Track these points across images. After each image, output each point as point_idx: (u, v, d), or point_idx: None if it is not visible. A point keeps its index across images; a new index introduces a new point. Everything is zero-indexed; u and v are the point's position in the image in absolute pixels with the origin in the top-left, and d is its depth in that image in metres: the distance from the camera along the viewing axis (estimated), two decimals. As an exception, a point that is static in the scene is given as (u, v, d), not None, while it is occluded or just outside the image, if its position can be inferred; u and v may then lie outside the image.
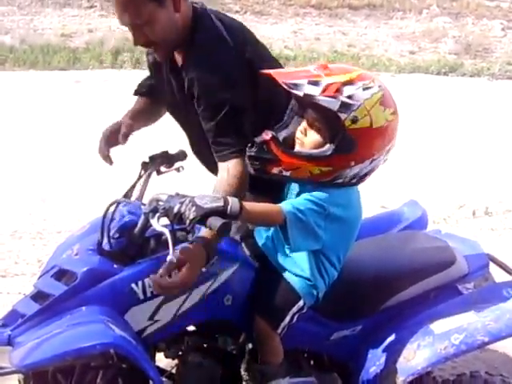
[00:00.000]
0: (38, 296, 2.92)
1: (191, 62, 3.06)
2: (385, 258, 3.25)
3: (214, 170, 3.21)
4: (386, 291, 3.16)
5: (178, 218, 2.61)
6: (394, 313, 3.16)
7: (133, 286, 2.82)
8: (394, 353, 3.05)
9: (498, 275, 3.47)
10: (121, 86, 9.65)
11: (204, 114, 3.04)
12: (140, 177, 3.28)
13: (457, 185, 7.07)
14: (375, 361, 3.09)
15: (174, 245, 2.68)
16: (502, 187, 7.04)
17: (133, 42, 3.08)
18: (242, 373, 3.01)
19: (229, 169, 2.97)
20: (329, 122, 2.76)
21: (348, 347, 3.16)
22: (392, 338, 3.10)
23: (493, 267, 3.44)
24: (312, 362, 3.29)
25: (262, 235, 3.06)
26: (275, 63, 3.31)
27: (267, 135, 2.81)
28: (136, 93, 3.61)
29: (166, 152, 3.43)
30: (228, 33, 3.11)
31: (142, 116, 3.55)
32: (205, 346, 3.08)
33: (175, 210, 2.61)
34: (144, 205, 2.89)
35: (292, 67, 10.09)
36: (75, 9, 13.72)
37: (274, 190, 3.04)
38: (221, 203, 2.59)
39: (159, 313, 2.86)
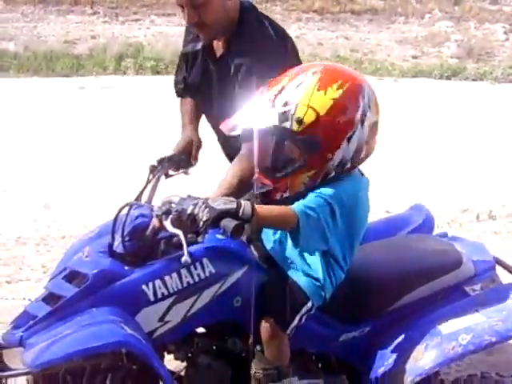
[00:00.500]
0: (49, 298, 2.94)
1: (237, 49, 3.28)
2: (392, 260, 3.27)
3: None
4: (394, 293, 3.18)
5: (191, 220, 2.63)
6: (402, 314, 3.18)
7: (144, 287, 2.85)
8: (402, 353, 3.07)
9: (504, 277, 3.49)
10: (124, 92, 9.71)
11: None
12: (149, 180, 3.31)
13: (460, 189, 7.06)
14: (383, 361, 3.10)
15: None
16: (506, 191, 7.03)
17: (186, 21, 3.28)
18: (252, 374, 3.01)
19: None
20: (281, 136, 2.78)
21: (356, 348, 3.18)
22: (400, 338, 3.12)
23: (499, 269, 3.46)
24: (320, 365, 3.30)
25: (269, 238, 3.07)
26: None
27: (256, 174, 2.86)
28: (179, 94, 3.71)
29: (174, 155, 3.46)
30: (271, 27, 3.34)
31: (198, 118, 3.67)
32: (214, 347, 3.09)
33: (188, 211, 2.64)
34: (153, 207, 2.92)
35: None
36: (78, 15, 13.77)
37: None
38: (234, 205, 2.61)
39: (170, 314, 2.88)
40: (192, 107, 3.65)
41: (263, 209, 2.71)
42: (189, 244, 2.84)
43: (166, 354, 3.11)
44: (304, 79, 2.79)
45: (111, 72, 10.71)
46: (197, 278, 2.90)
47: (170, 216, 2.74)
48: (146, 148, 7.36)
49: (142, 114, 8.60)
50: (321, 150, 2.77)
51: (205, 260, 2.90)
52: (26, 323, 2.85)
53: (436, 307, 3.17)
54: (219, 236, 2.91)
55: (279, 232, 3.01)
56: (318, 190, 2.80)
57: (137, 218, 2.93)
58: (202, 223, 2.59)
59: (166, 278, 2.87)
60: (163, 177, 3.41)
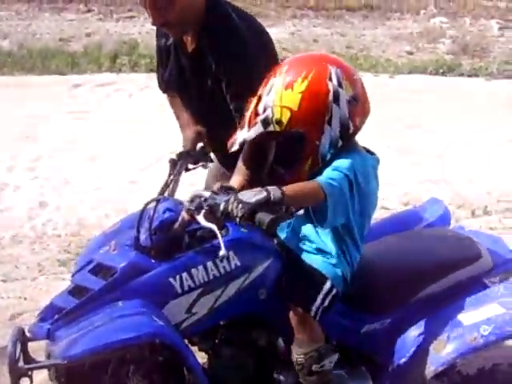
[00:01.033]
0: (75, 291, 2.96)
1: (208, 44, 3.27)
2: (413, 253, 3.31)
3: (225, 158, 3.42)
4: (415, 285, 3.21)
5: (225, 216, 2.69)
6: (423, 306, 3.20)
7: (171, 279, 2.86)
8: (423, 345, 3.10)
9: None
10: (119, 89, 9.69)
11: (233, 92, 3.25)
12: (171, 174, 3.33)
13: (455, 184, 7.09)
14: (405, 353, 3.13)
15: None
16: (501, 187, 7.05)
17: (151, 22, 3.23)
18: (294, 360, 3.03)
19: None
20: (270, 139, 2.99)
21: (377, 340, 3.20)
22: (421, 330, 3.14)
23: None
24: (340, 357, 3.31)
25: (283, 229, 3.12)
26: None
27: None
28: (163, 90, 3.69)
29: (191, 149, 3.47)
30: (240, 19, 3.32)
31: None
32: (238, 339, 3.10)
33: (221, 208, 2.69)
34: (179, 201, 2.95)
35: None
36: (73, 13, 13.71)
37: None
38: (264, 194, 2.64)
39: (196, 306, 2.90)
40: (181, 103, 3.65)
41: (290, 188, 2.76)
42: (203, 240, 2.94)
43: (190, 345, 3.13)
44: (274, 81, 2.92)
45: (106, 69, 10.66)
46: (223, 271, 2.92)
47: (203, 211, 2.78)
48: (142, 146, 7.40)
49: (138, 112, 8.60)
50: (308, 140, 2.90)
51: (231, 253, 2.91)
52: (52, 316, 2.86)
53: (456, 299, 3.19)
54: (243, 229, 2.94)
55: (292, 221, 3.06)
56: (333, 164, 2.88)
57: (164, 212, 2.94)
58: (237, 219, 2.64)
59: (193, 270, 2.88)
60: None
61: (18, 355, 2.76)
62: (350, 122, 2.92)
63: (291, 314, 2.99)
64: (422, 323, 3.16)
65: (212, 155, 3.58)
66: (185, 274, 2.87)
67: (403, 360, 3.13)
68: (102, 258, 3.00)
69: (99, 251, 3.05)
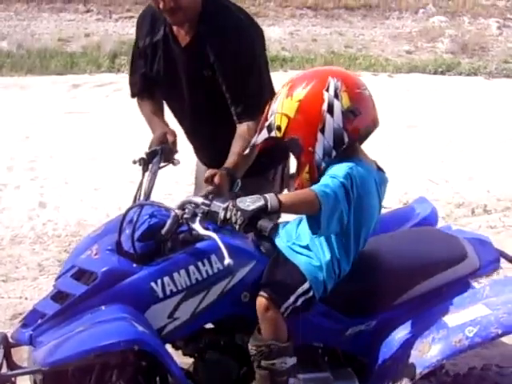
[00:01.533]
0: (57, 296, 2.96)
1: (207, 36, 3.38)
2: (398, 254, 3.29)
3: (206, 153, 3.62)
4: (400, 286, 3.19)
5: (225, 224, 2.73)
6: (408, 307, 3.19)
7: (152, 284, 2.86)
8: (408, 346, 3.08)
9: (508, 270, 3.51)
10: (119, 89, 9.68)
11: (228, 77, 3.38)
12: (144, 174, 3.27)
13: (456, 183, 7.09)
14: (390, 355, 3.12)
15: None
16: (501, 185, 7.05)
17: (162, 6, 3.29)
18: (249, 348, 3.01)
19: (249, 127, 3.34)
20: (273, 144, 3.08)
21: (363, 342, 3.19)
22: (406, 331, 3.13)
23: (503, 262, 3.48)
24: (326, 358, 3.31)
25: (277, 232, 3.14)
26: None
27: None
28: (136, 94, 3.73)
29: (162, 147, 3.42)
30: (235, 8, 3.51)
31: (163, 115, 3.72)
32: (222, 343, 3.10)
33: (221, 216, 2.72)
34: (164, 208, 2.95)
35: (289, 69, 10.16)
36: (72, 13, 13.71)
37: None
38: (262, 202, 2.71)
39: (179, 310, 2.90)
40: (153, 107, 3.69)
41: (287, 196, 2.87)
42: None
43: (174, 349, 3.12)
44: (281, 91, 3.03)
45: (105, 70, 10.66)
46: (205, 275, 2.92)
47: (198, 218, 2.80)
48: (142, 146, 7.36)
49: (138, 112, 8.57)
50: (303, 147, 2.96)
51: (213, 256, 2.92)
52: (35, 321, 2.86)
53: (442, 300, 3.19)
54: (225, 232, 2.94)
55: (286, 224, 3.10)
56: (330, 172, 2.92)
57: (150, 216, 2.94)
58: (238, 227, 2.67)
59: (175, 274, 2.89)
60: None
61: (1, 361, 2.76)
62: (344, 132, 2.94)
63: (260, 298, 2.96)
64: (407, 324, 3.15)
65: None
66: (166, 279, 2.87)
67: (389, 362, 3.12)
68: (84, 262, 3.00)
69: (81, 256, 3.04)
